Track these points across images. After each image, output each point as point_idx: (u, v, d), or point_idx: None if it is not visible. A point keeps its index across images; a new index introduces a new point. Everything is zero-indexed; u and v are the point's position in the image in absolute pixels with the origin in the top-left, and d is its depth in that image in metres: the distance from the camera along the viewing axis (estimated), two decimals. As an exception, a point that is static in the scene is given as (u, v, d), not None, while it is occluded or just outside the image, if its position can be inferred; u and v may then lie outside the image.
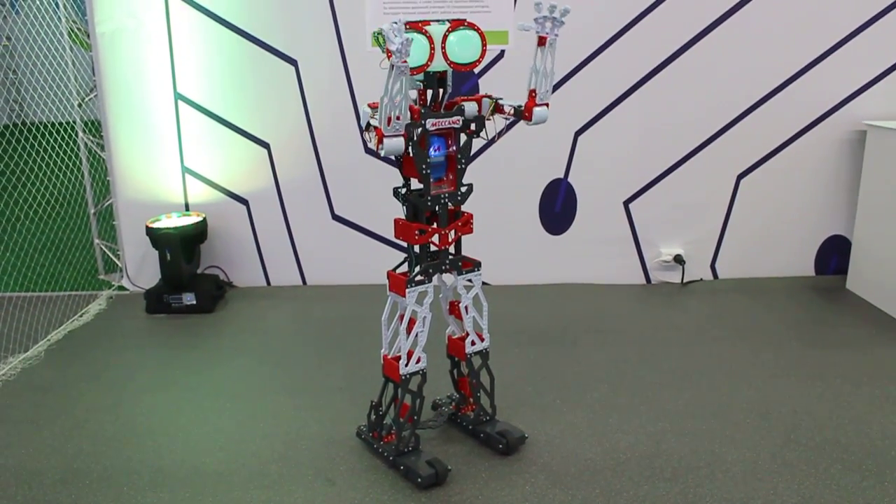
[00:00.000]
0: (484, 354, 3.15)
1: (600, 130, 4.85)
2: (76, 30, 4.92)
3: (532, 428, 3.24)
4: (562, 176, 4.96)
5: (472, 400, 3.20)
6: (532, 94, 2.82)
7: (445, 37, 2.67)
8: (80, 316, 4.68)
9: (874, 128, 4.60)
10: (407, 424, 2.95)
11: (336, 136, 4.87)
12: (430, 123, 2.74)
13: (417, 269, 2.90)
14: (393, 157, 2.81)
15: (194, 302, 4.70)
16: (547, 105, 2.86)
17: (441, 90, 2.81)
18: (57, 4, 4.88)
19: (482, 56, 2.76)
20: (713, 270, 5.13)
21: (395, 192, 2.89)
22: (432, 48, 2.64)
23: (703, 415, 3.37)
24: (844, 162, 4.90)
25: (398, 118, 2.51)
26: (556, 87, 4.71)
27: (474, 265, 3.03)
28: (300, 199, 5.04)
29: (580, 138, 4.87)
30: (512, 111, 2.88)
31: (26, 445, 3.23)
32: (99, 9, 4.69)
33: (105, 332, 4.49)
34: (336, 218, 5.06)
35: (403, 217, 2.93)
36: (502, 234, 4.93)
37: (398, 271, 2.94)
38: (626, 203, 5.00)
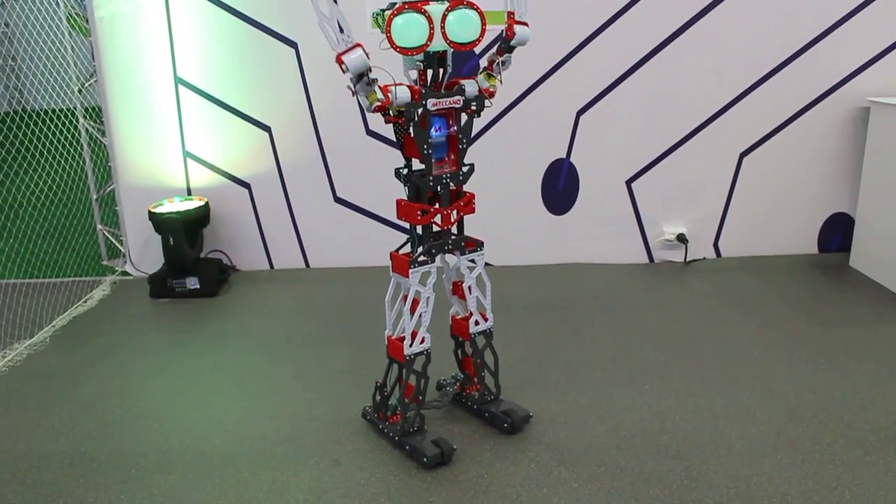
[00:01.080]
0: (488, 334, 3.14)
1: (602, 110, 4.83)
2: (75, 15, 4.90)
3: (537, 407, 3.25)
4: (564, 156, 4.95)
5: (476, 380, 3.21)
6: (510, 14, 2.82)
7: (445, 16, 2.65)
8: (85, 302, 4.70)
9: (877, 104, 4.58)
10: (412, 405, 2.96)
11: (337, 119, 4.86)
12: (431, 103, 2.74)
13: (420, 249, 2.90)
14: (395, 137, 2.82)
15: (198, 286, 4.71)
16: (527, 24, 2.84)
17: (441, 70, 2.79)
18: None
19: (482, 35, 2.74)
20: (716, 249, 5.13)
21: (397, 172, 2.88)
22: (431, 28, 2.62)
23: (707, 392, 3.38)
24: (847, 139, 4.88)
25: (341, 31, 2.50)
26: (558, 66, 4.71)
27: (477, 245, 3.03)
28: (302, 181, 5.04)
29: (582, 118, 4.86)
30: (497, 50, 2.87)
31: (34, 430, 3.25)
32: (97, -7, 4.67)
33: (109, 317, 4.51)
34: (338, 200, 5.06)
35: (405, 198, 2.92)
36: (505, 214, 4.93)
37: (401, 252, 2.94)
38: (629, 182, 4.99)
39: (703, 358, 3.71)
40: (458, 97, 2.80)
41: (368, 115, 4.84)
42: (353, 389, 3.48)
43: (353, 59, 2.52)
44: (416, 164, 2.86)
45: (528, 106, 4.82)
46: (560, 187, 5.01)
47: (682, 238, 5.03)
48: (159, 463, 2.98)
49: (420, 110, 2.72)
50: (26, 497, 2.80)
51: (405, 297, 2.92)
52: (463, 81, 2.83)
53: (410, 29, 2.59)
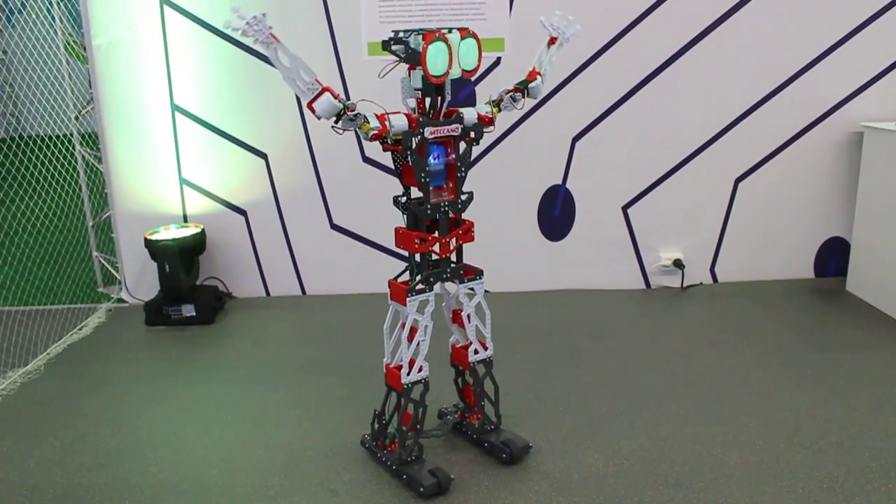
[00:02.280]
0: (488, 363, 3.12)
1: (598, 136, 4.85)
2: (72, 43, 4.92)
3: (534, 435, 3.23)
4: (560, 182, 4.96)
5: (476, 409, 3.19)
6: (534, 71, 3.02)
7: (458, 45, 2.71)
8: (80, 329, 4.67)
9: (871, 129, 4.61)
10: (410, 433, 2.94)
11: (333, 146, 4.86)
12: (429, 132, 2.75)
13: (418, 277, 2.89)
14: (394, 165, 2.85)
15: (194, 313, 4.69)
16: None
17: (439, 98, 2.80)
18: (53, 18, 4.88)
19: (480, 62, 2.80)
20: (713, 274, 5.13)
21: (396, 200, 2.89)
22: (451, 56, 2.68)
23: (705, 419, 3.36)
24: (842, 164, 4.91)
25: (307, 80, 2.53)
26: (553, 93, 4.73)
27: (476, 273, 3.02)
28: (298, 208, 5.04)
29: (578, 144, 4.87)
30: (514, 87, 2.99)
31: (27, 460, 3.21)
32: (95, 21, 4.69)
33: (105, 344, 4.48)
34: (334, 227, 5.06)
35: (404, 226, 2.92)
36: (501, 240, 4.93)
37: (399, 280, 2.94)
38: (625, 208, 5.00)
39: (700, 384, 3.70)
40: (457, 125, 2.82)
41: (365, 143, 4.85)
42: (350, 418, 3.45)
43: (322, 104, 2.57)
44: (415, 192, 2.86)
45: (524, 132, 4.84)
46: (556, 213, 5.02)
47: (678, 263, 5.03)
48: (154, 494, 2.95)
49: (417, 138, 2.73)
50: (19, 529, 2.77)
51: (403, 325, 2.90)
52: (462, 109, 2.85)
53: (440, 57, 2.65)
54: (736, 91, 4.78)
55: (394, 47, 2.69)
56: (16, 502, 2.91)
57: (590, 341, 4.26)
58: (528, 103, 3.17)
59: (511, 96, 2.97)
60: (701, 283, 5.10)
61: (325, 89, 2.56)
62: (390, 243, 5.01)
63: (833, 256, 5.09)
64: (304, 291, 5.19)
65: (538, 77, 3.01)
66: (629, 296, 4.99)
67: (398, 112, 2.74)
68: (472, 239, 2.98)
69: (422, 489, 2.82)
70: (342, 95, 2.64)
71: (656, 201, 4.97)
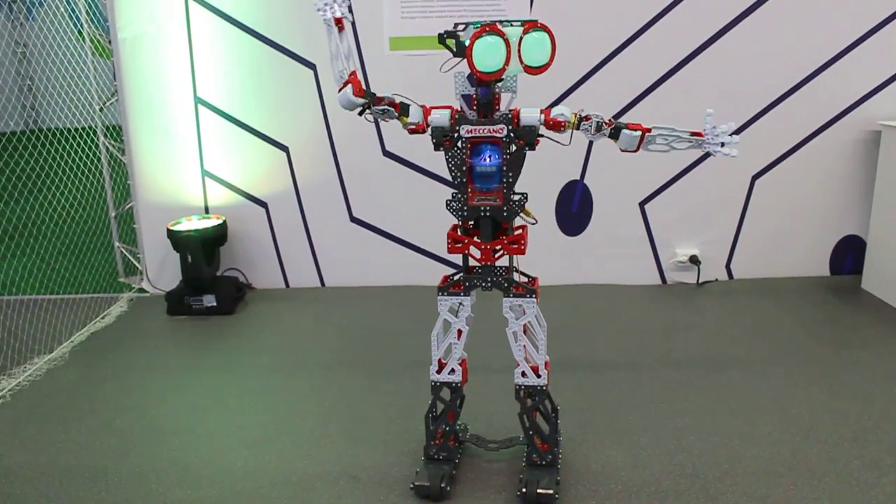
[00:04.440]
0: (539, 391, 2.85)
1: (616, 132, 4.87)
2: (98, 37, 4.99)
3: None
4: (578, 177, 5.00)
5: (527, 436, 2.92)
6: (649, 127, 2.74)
7: (520, 39, 2.55)
8: (102, 318, 4.75)
9: (889, 128, 4.62)
10: (434, 431, 2.90)
11: (354, 139, 4.92)
12: (465, 130, 2.62)
13: (455, 278, 2.81)
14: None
15: (215, 304, 4.76)
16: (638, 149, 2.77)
17: (494, 95, 2.65)
18: (78, 15, 4.95)
19: (552, 59, 2.61)
20: (728, 271, 5.15)
21: (451, 198, 2.75)
22: (508, 52, 2.51)
23: (721, 413, 3.40)
24: (859, 162, 4.92)
25: (339, 69, 2.61)
26: (572, 89, 4.77)
27: (527, 292, 2.81)
28: (319, 201, 5.09)
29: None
30: (607, 121, 2.73)
31: (55, 444, 3.29)
32: (120, 15, 4.76)
33: (127, 333, 4.56)
34: (354, 220, 5.11)
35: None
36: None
37: (454, 278, 2.84)
38: (642, 204, 5.03)
39: (716, 379, 3.73)
40: (502, 126, 2.63)
41: (385, 136, 4.90)
42: (370, 406, 3.51)
43: (342, 97, 2.65)
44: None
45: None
46: (574, 209, 5.05)
47: (694, 260, 5.06)
48: (180, 478, 3.01)
49: (448, 135, 2.63)
50: (50, 510, 2.84)
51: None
52: (522, 109, 2.66)
53: (491, 53, 2.49)
54: (753, 88, 4.80)
55: (448, 41, 2.56)
56: (46, 484, 2.99)
57: (605, 336, 4.30)
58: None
59: (598, 123, 2.71)
60: (717, 280, 5.13)
61: (349, 81, 2.61)
62: (410, 236, 5.13)
63: (849, 254, 5.10)
64: (323, 283, 5.25)
65: (639, 132, 2.71)
66: (645, 291, 5.02)
67: (448, 107, 2.66)
68: (521, 252, 2.80)
69: (411, 486, 2.83)
70: (324, 93, 2.69)
71: (673, 198, 4.99)
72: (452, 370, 2.86)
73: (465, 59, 2.51)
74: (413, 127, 2.66)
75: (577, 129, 2.74)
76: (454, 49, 2.56)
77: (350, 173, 5.03)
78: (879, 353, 3.97)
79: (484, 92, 2.62)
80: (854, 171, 4.94)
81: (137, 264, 5.35)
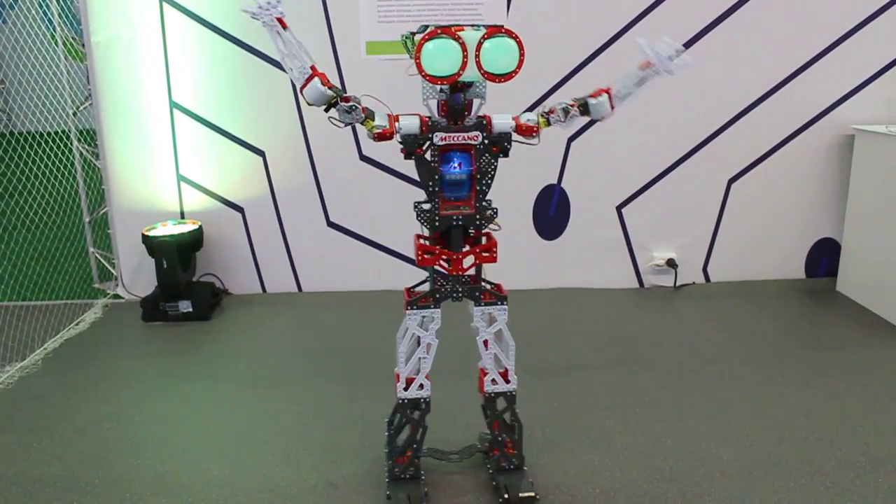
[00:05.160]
0: (509, 398, 2.83)
1: (593, 136, 4.89)
2: (71, 40, 4.94)
3: (529, 430, 3.26)
4: (555, 181, 5.00)
5: (496, 442, 2.92)
6: (606, 93, 2.67)
7: (480, 44, 2.42)
8: (77, 324, 4.69)
9: (862, 132, 4.67)
10: (405, 450, 2.82)
11: (331, 144, 4.90)
12: (438, 137, 2.53)
13: (424, 291, 2.72)
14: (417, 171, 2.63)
15: (191, 309, 4.72)
16: (612, 108, 2.69)
17: (466, 101, 2.55)
18: (51, 17, 4.89)
19: (519, 66, 2.48)
20: (705, 274, 5.18)
21: (415, 205, 2.66)
22: (465, 56, 2.40)
23: (698, 416, 3.41)
24: (833, 166, 4.97)
25: (299, 65, 2.48)
26: (548, 94, 4.78)
27: (497, 299, 2.78)
28: (295, 206, 5.06)
29: (573, 144, 4.92)
30: (572, 101, 2.64)
31: (27, 453, 3.23)
32: (94, 18, 4.70)
33: (102, 340, 4.50)
34: (331, 225, 5.09)
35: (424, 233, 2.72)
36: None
37: (415, 289, 2.77)
38: (619, 208, 5.05)
39: (693, 381, 3.75)
40: (476, 133, 2.56)
41: (362, 141, 4.88)
42: (348, 413, 3.49)
43: (310, 90, 2.48)
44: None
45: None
46: (551, 213, 5.06)
47: (671, 263, 5.08)
48: (155, 486, 2.97)
49: (421, 143, 2.54)
50: (21, 520, 2.79)
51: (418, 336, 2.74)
52: (494, 116, 2.59)
53: (442, 56, 2.39)
54: (729, 93, 4.84)
55: (407, 43, 2.50)
56: (17, 494, 2.94)
57: (583, 339, 4.30)
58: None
59: (563, 108, 2.61)
60: (694, 283, 5.16)
61: (314, 75, 2.47)
62: (387, 241, 5.12)
63: (824, 257, 5.15)
64: (300, 288, 5.22)
65: (603, 94, 2.65)
66: (623, 295, 5.03)
67: (416, 114, 2.56)
68: (493, 259, 2.73)
69: None
70: (339, 86, 2.50)
71: (650, 201, 5.02)
72: (421, 385, 2.75)
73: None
74: (379, 132, 2.51)
75: (549, 125, 2.65)
76: (410, 51, 2.48)
77: (327, 178, 5.01)
78: (854, 355, 4.01)
79: (457, 98, 2.53)
80: (828, 175, 4.99)
81: (112, 270, 5.29)
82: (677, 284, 5.12)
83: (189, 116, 4.91)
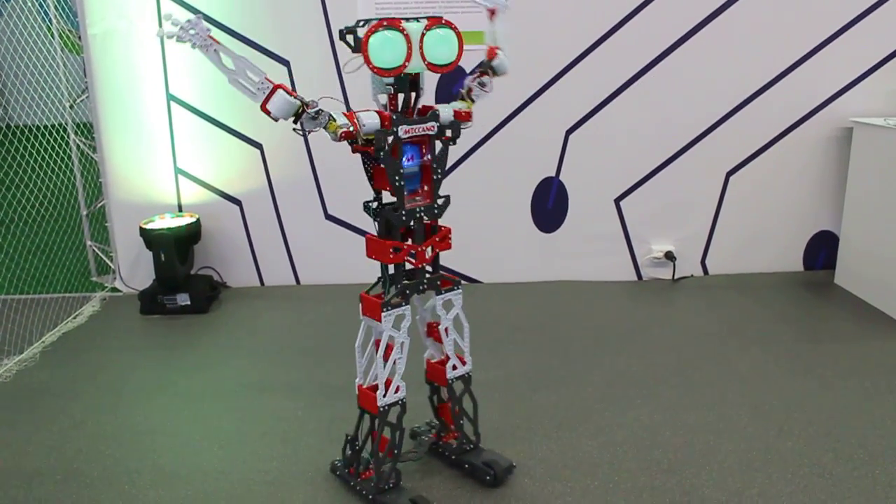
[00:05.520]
0: (466, 379, 2.91)
1: (591, 129, 4.89)
2: (67, 33, 4.92)
3: (527, 421, 3.28)
4: (553, 174, 5.00)
5: (453, 428, 2.97)
6: (491, 47, 2.77)
7: (423, 36, 2.47)
8: (74, 318, 4.68)
9: (860, 125, 4.66)
10: (387, 459, 2.72)
11: (328, 136, 4.87)
12: (403, 130, 2.52)
13: (393, 290, 2.67)
14: (364, 167, 2.62)
15: (189, 303, 4.71)
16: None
17: (414, 94, 2.58)
18: (47, 8, 4.88)
19: (459, 56, 2.56)
20: (703, 266, 5.18)
21: (366, 206, 2.64)
22: (409, 48, 2.43)
23: (697, 408, 3.41)
24: (832, 158, 4.97)
25: (255, 80, 2.34)
26: (547, 86, 4.77)
27: (454, 284, 2.81)
28: (293, 199, 5.06)
29: (571, 136, 4.91)
30: (480, 72, 2.75)
31: (25, 446, 3.23)
32: (90, 10, 4.69)
33: (100, 333, 4.49)
34: (329, 218, 5.08)
35: (375, 234, 2.69)
36: (494, 231, 4.98)
37: (371, 293, 2.69)
38: (617, 200, 5.04)
39: (691, 374, 3.75)
40: (432, 123, 2.59)
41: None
42: (347, 405, 3.46)
43: (276, 103, 2.36)
44: (387, 197, 2.65)
45: (518, 125, 4.87)
46: (549, 205, 5.06)
47: (669, 256, 5.08)
48: (153, 479, 2.97)
49: (391, 138, 2.50)
50: (19, 513, 2.79)
51: (377, 343, 2.67)
52: (437, 106, 2.64)
53: (387, 48, 2.39)
54: (728, 86, 4.83)
55: (347, 37, 2.44)
56: (15, 487, 2.94)
57: (581, 332, 4.31)
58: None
59: (478, 82, 2.73)
60: (692, 276, 5.16)
61: (276, 87, 2.35)
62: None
63: (822, 250, 5.15)
64: (298, 281, 5.21)
65: (498, 52, 2.76)
66: (621, 287, 5.03)
67: (368, 110, 2.53)
68: (449, 247, 2.76)
69: None
70: (298, 92, 2.39)
71: (648, 194, 5.01)
72: (398, 388, 2.70)
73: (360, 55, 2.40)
74: (345, 131, 2.43)
75: (475, 101, 2.75)
76: (353, 45, 2.43)
77: (324, 170, 5.00)
78: (852, 348, 4.01)
79: (412, 90, 2.57)
80: (827, 168, 4.99)
81: (110, 263, 5.28)
82: (675, 277, 5.12)
83: (186, 109, 4.90)
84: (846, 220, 4.86)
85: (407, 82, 2.53)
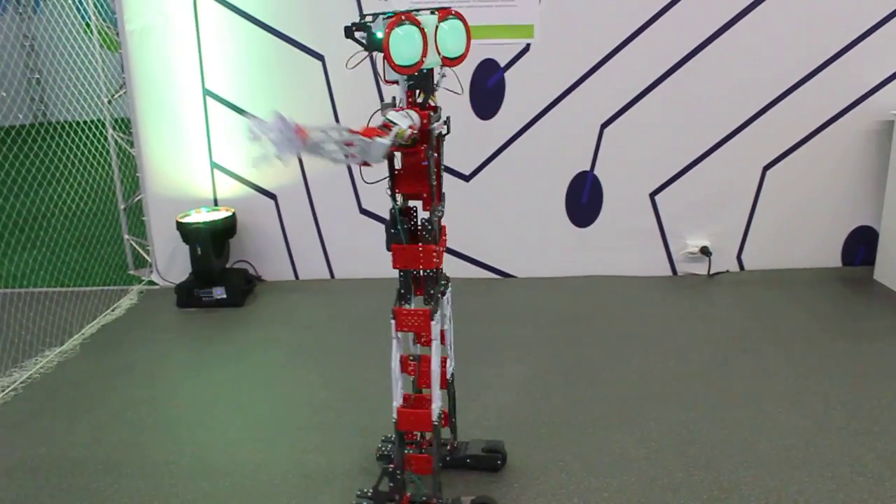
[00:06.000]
0: (453, 375, 2.86)
1: (626, 123, 4.85)
2: (105, 30, 4.99)
3: (565, 417, 3.27)
4: (588, 168, 4.97)
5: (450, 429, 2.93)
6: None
7: (436, 28, 2.33)
8: (113, 310, 4.75)
9: (902, 117, 4.59)
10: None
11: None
12: (437, 126, 2.40)
13: (431, 295, 2.56)
14: (389, 172, 2.50)
15: (224, 296, 4.76)
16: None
17: (424, 91, 2.43)
18: (86, 7, 4.95)
19: (468, 49, 2.47)
20: (739, 262, 5.13)
21: (393, 216, 2.46)
22: (425, 42, 2.29)
23: (734, 404, 3.38)
24: (871, 152, 4.88)
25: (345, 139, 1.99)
26: (582, 80, 4.74)
27: (447, 280, 2.71)
28: (328, 193, 5.08)
29: (606, 130, 4.88)
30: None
31: (67, 436, 3.29)
32: (128, 7, 4.75)
33: (137, 325, 4.56)
34: (363, 212, 5.10)
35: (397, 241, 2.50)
36: (529, 226, 4.97)
37: (405, 306, 2.56)
38: (652, 195, 5.00)
39: (728, 370, 3.72)
40: (443, 121, 2.49)
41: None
42: (383, 399, 3.49)
43: (377, 150, 1.99)
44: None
45: (553, 119, 4.85)
46: (584, 200, 5.03)
47: (705, 251, 5.03)
48: (191, 470, 3.01)
49: (436, 135, 2.40)
50: (63, 502, 2.84)
51: (405, 359, 2.59)
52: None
53: (407, 44, 2.25)
54: (765, 78, 4.77)
55: (357, 35, 2.29)
56: (56, 477, 2.99)
57: (616, 327, 4.28)
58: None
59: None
60: (727, 271, 5.10)
61: (368, 132, 2.02)
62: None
63: (861, 245, 5.07)
64: (332, 275, 5.24)
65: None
66: (655, 282, 5.00)
67: (400, 108, 2.34)
68: (445, 244, 2.66)
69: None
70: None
71: (684, 188, 4.97)
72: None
73: (380, 53, 2.25)
74: (411, 132, 2.20)
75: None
76: (364, 43, 2.28)
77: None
78: (892, 345, 3.94)
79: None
80: (866, 162, 4.91)
81: (147, 257, 5.35)
82: (711, 272, 5.07)
83: (222, 104, 4.94)
84: (886, 215, 4.78)
85: (427, 78, 2.41)
